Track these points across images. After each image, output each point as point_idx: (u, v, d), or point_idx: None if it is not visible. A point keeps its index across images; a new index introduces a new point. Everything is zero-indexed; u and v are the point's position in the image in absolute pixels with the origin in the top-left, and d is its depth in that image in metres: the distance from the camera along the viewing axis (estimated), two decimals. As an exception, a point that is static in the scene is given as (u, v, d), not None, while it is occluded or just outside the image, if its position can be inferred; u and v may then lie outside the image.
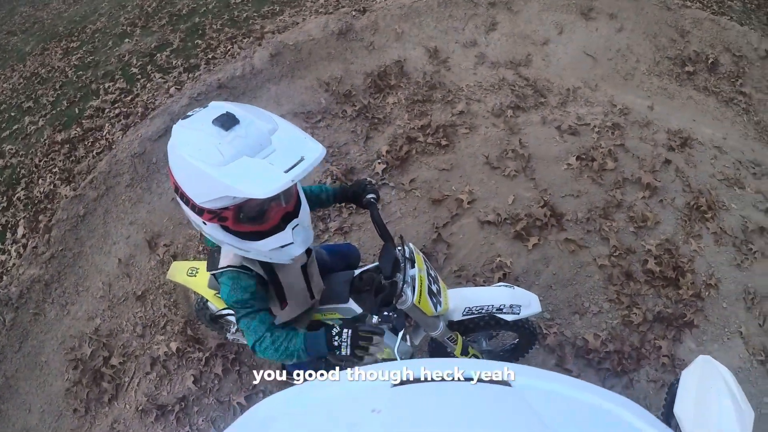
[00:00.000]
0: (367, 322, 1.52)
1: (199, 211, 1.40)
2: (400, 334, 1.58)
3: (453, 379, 0.68)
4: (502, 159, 3.31)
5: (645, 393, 2.61)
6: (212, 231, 1.47)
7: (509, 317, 1.96)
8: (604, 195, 3.12)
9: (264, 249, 1.49)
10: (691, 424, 1.21)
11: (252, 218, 1.45)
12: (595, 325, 2.77)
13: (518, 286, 2.89)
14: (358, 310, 1.86)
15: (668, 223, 3.06)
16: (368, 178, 3.29)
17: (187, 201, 1.41)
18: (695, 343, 2.75)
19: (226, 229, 1.45)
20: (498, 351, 2.48)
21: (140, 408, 2.64)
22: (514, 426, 0.61)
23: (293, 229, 1.51)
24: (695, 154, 3.29)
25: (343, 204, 3.07)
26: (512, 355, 2.45)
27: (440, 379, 0.69)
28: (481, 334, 2.32)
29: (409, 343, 1.85)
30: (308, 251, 1.78)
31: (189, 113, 1.46)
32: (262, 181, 1.28)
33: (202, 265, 2.25)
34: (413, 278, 1.73)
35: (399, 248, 1.78)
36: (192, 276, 2.23)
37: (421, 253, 1.89)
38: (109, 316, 3.03)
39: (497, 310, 1.94)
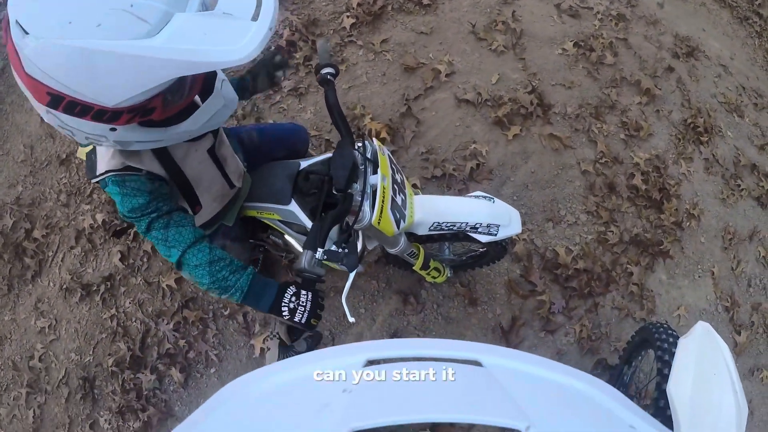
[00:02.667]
0: (306, 260, 1.11)
1: (113, 116, 0.92)
2: (350, 280, 1.20)
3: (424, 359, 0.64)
4: (491, 30, 2.66)
5: (607, 320, 2.28)
6: (124, 136, 0.99)
7: (484, 238, 1.54)
8: (598, 92, 2.59)
9: (196, 126, 1.08)
10: (686, 411, 1.17)
11: (181, 95, 1.02)
12: (568, 237, 2.35)
13: (492, 179, 2.43)
14: (302, 216, 1.44)
15: (661, 137, 2.64)
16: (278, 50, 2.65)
17: (87, 110, 0.89)
18: (667, 275, 2.45)
19: (146, 124, 1.01)
20: (461, 259, 2.05)
21: (64, 286, 2.42)
22: (485, 404, 0.56)
23: (222, 85, 1.12)
24: (700, 68, 2.86)
25: (301, 61, 2.55)
26: (476, 263, 2.01)
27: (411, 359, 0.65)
28: (445, 242, 1.90)
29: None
30: (214, 131, 1.33)
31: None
32: (228, 40, 0.85)
33: None
34: (374, 189, 1.30)
35: (359, 145, 1.34)
36: None
37: (387, 153, 1.36)
38: (32, 182, 2.67)
39: (472, 228, 1.51)
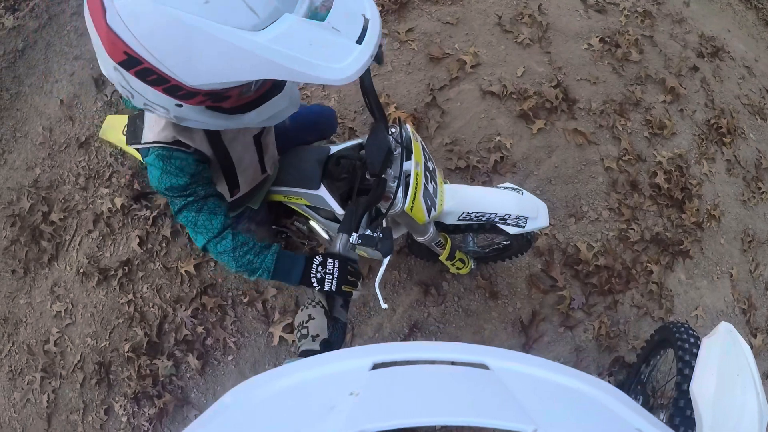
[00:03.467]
0: (341, 244, 1.11)
1: (187, 95, 0.88)
2: (383, 266, 1.16)
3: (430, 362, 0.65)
4: (516, 23, 2.65)
5: (626, 317, 2.28)
6: (188, 114, 0.96)
7: (513, 230, 1.54)
8: (622, 89, 2.56)
9: (258, 120, 1.05)
10: (709, 412, 1.17)
11: (256, 88, 1.00)
12: (590, 233, 2.34)
13: (515, 172, 2.43)
14: (331, 202, 1.41)
15: (684, 136, 2.62)
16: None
17: (162, 81, 0.85)
18: (686, 275, 2.44)
19: (214, 108, 0.98)
20: (485, 251, 2.03)
21: (81, 270, 2.38)
22: (491, 407, 0.55)
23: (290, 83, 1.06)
24: (724, 68, 2.85)
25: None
26: (500, 255, 1.99)
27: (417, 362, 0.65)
28: (470, 233, 1.88)
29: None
30: None
31: None
32: (333, 57, 0.81)
33: None
34: (407, 176, 1.27)
35: (393, 130, 1.30)
36: None
37: (419, 140, 1.33)
38: (50, 165, 2.62)
39: (500, 219, 1.51)
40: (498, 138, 2.36)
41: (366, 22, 0.87)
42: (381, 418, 0.52)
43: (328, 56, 0.81)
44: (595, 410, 0.62)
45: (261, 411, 0.64)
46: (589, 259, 2.26)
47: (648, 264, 2.35)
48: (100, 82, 2.77)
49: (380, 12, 2.63)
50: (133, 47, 0.81)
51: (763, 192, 2.69)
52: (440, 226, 1.59)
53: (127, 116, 1.80)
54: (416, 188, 1.28)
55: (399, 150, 1.29)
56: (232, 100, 0.97)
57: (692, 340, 1.66)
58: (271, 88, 1.04)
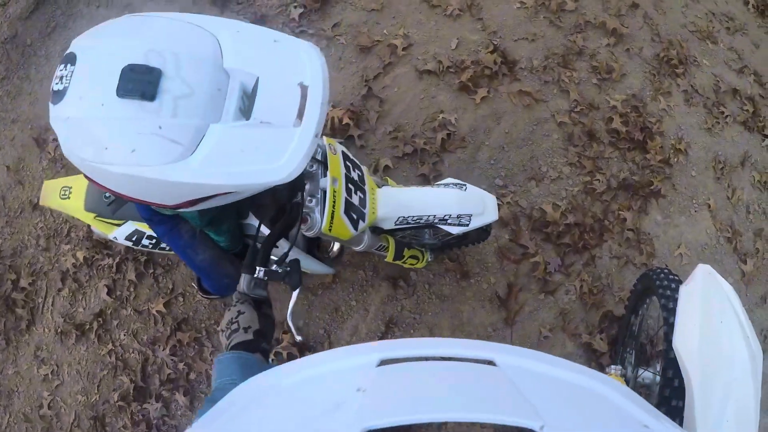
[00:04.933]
0: (245, 284, 1.06)
1: (175, 207, 0.92)
2: (293, 299, 1.13)
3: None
4: (443, -5, 2.60)
5: (607, 271, 2.21)
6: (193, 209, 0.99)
7: (455, 230, 1.46)
8: (563, 40, 2.47)
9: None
10: (696, 368, 1.14)
11: None
12: (553, 193, 2.26)
13: (465, 146, 2.34)
14: (263, 229, 1.36)
15: (635, 76, 2.52)
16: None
17: (148, 205, 0.97)
18: (662, 216, 2.37)
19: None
20: (442, 242, 1.97)
21: (59, 330, 2.37)
22: (499, 404, 0.55)
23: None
24: (665, 0, 2.81)
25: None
26: (458, 244, 1.93)
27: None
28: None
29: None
30: None
31: (59, 79, 0.78)
32: (270, 156, 0.78)
33: (77, 180, 1.67)
34: (324, 193, 1.21)
35: None
36: (65, 198, 1.70)
37: (339, 149, 1.26)
38: (9, 233, 2.59)
39: (440, 220, 1.42)
40: (442, 115, 2.29)
41: (304, 90, 0.80)
42: (388, 414, 0.51)
43: (263, 158, 0.78)
44: (602, 406, 0.62)
45: (266, 408, 0.64)
46: (557, 219, 2.19)
47: (620, 212, 2.28)
48: (41, 140, 2.73)
49: (303, 13, 2.57)
50: (112, 189, 0.86)
51: (726, 116, 2.61)
52: (380, 229, 1.52)
53: (60, 179, 1.80)
54: (334, 206, 1.22)
55: (314, 167, 1.23)
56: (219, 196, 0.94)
57: (673, 285, 1.59)
58: None
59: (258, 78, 0.80)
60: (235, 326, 1.06)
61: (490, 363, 0.65)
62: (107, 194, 1.62)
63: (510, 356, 0.66)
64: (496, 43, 2.44)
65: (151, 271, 2.37)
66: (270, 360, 1.12)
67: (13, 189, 2.70)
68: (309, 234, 1.22)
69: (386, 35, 2.50)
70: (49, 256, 2.52)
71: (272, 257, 1.13)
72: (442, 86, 2.37)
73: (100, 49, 0.79)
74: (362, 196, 1.32)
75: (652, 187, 2.34)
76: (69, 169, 2.56)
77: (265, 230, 1.30)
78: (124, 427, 2.24)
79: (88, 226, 2.49)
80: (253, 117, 0.78)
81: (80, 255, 2.43)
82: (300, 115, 0.79)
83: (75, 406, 2.31)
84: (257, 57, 0.82)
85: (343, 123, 2.27)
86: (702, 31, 2.73)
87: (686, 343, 1.25)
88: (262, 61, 0.82)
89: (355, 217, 1.28)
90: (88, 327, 2.37)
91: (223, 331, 1.09)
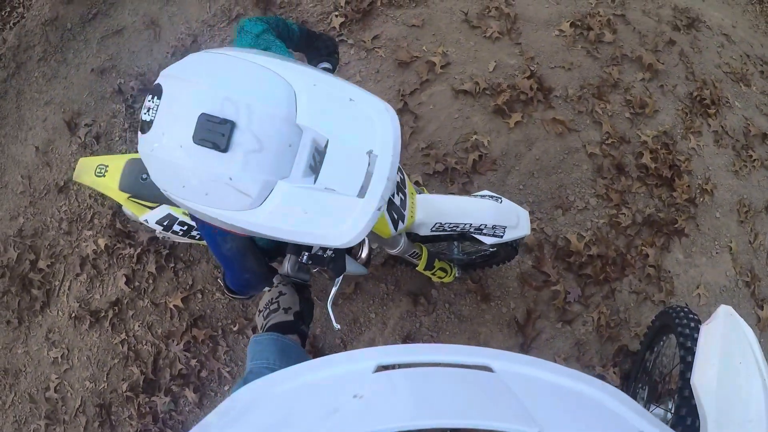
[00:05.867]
0: (289, 265, 1.08)
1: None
2: (336, 285, 1.14)
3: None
4: (484, 17, 2.55)
5: (625, 305, 2.20)
6: None
7: (489, 240, 1.45)
8: (599, 71, 2.47)
9: None
10: (712, 405, 1.13)
11: None
12: (579, 223, 2.25)
13: (496, 169, 2.35)
14: None
15: (668, 113, 2.53)
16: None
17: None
18: (683, 254, 2.36)
19: None
20: (471, 258, 1.96)
21: (73, 315, 2.37)
22: (496, 410, 0.56)
23: None
24: (702, 39, 2.76)
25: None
26: (486, 263, 1.92)
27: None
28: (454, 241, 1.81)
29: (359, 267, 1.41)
30: None
31: (147, 110, 0.81)
32: (332, 221, 0.80)
33: (114, 160, 1.67)
34: None
35: None
36: (100, 176, 1.69)
37: None
38: (32, 213, 2.62)
39: (476, 229, 1.42)
40: (475, 136, 2.29)
41: (373, 160, 0.80)
42: (385, 420, 0.51)
43: (325, 222, 0.80)
44: (599, 412, 0.62)
45: (264, 415, 0.64)
46: (580, 249, 2.18)
47: (643, 247, 2.27)
48: (72, 125, 2.75)
49: (344, 22, 2.59)
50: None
51: (754, 160, 2.59)
52: (415, 236, 1.52)
53: (96, 157, 1.81)
54: None
55: None
56: None
57: (692, 324, 1.58)
58: None
59: (328, 140, 0.79)
60: (274, 306, 1.06)
61: (487, 369, 0.65)
62: (144, 175, 1.61)
63: (507, 362, 0.65)
64: (533, 69, 2.45)
65: (172, 265, 2.37)
66: (306, 345, 1.11)
67: (40, 170, 2.73)
68: None
69: (425, 52, 2.51)
70: (70, 240, 2.53)
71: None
72: (477, 107, 2.37)
73: (181, 90, 0.79)
74: (403, 198, 1.33)
75: (676, 226, 2.32)
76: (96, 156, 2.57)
77: None
78: (129, 418, 2.24)
79: (113, 213, 2.51)
80: (318, 182, 0.79)
81: (102, 242, 2.44)
82: (365, 186, 0.79)
83: (82, 391, 2.31)
84: (330, 116, 0.81)
85: (377, 136, 2.27)
86: (736, 72, 2.73)
87: (704, 380, 1.24)
88: (334, 122, 0.81)
89: (395, 217, 1.28)
90: (103, 314, 2.37)
91: (261, 311, 1.08)
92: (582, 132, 2.36)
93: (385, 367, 0.65)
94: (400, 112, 2.35)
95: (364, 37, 2.56)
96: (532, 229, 2.17)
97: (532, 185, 2.25)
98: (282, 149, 0.78)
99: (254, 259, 1.39)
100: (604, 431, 0.60)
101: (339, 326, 1.18)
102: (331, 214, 0.80)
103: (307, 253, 1.06)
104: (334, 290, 1.15)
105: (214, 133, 0.74)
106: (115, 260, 2.44)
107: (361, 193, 0.79)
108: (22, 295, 2.50)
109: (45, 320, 2.45)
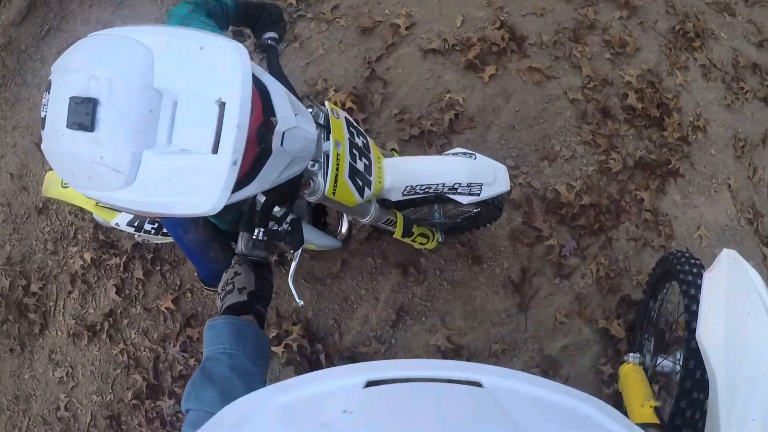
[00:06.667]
0: (243, 243, 1.03)
1: None
2: (295, 260, 1.10)
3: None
4: (446, -29, 2.47)
5: (624, 253, 2.08)
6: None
7: (466, 199, 1.36)
8: (573, 14, 2.33)
9: (264, 186, 0.90)
10: (721, 362, 1.08)
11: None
12: (567, 173, 2.13)
13: (474, 126, 2.22)
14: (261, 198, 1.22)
15: (650, 50, 2.37)
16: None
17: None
18: (680, 196, 2.22)
19: None
20: (454, 221, 1.85)
21: (71, 332, 2.36)
22: (487, 427, 0.56)
23: (282, 139, 0.86)
24: (679, -30, 2.64)
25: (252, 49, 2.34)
26: (470, 225, 1.81)
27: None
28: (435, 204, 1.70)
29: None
30: None
31: (42, 106, 0.78)
32: (193, 186, 0.74)
33: None
34: (327, 156, 1.13)
35: (311, 110, 1.15)
36: (66, 187, 1.68)
37: (342, 115, 1.18)
38: (17, 239, 2.59)
39: (450, 189, 1.33)
40: (448, 95, 2.17)
41: (222, 109, 0.71)
42: None
43: (186, 189, 0.74)
44: (589, 428, 0.61)
45: (254, 430, 0.63)
46: (571, 200, 2.06)
47: (637, 192, 2.15)
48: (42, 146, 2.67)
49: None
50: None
51: (746, 92, 2.45)
52: (389, 203, 1.43)
53: None
54: (338, 170, 1.14)
55: (318, 131, 1.15)
56: None
57: (695, 270, 1.46)
58: (258, 158, 0.85)
59: (178, 97, 0.72)
60: (229, 287, 1.00)
61: (477, 384, 0.64)
62: None
63: (496, 378, 0.65)
64: (503, 18, 2.31)
65: (158, 268, 2.32)
66: (265, 326, 1.06)
67: (18, 195, 2.68)
68: (312, 199, 1.15)
69: (388, 15, 2.38)
70: (57, 259, 2.50)
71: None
72: (448, 65, 2.25)
73: (60, 77, 0.76)
74: (367, 163, 1.24)
75: (670, 166, 2.20)
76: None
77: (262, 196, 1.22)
78: (139, 425, 2.21)
79: (94, 226, 2.45)
80: (173, 143, 0.72)
81: (87, 256, 2.40)
82: (217, 139, 0.71)
83: (91, 406, 2.29)
84: (182, 71, 0.73)
85: (346, 107, 2.16)
86: (719, 2, 2.57)
87: (710, 335, 1.16)
88: (185, 76, 0.73)
89: (360, 183, 1.20)
90: (99, 327, 2.34)
91: (218, 294, 1.03)
92: (561, 78, 2.23)
93: (376, 383, 0.64)
94: (368, 81, 2.23)
95: (322, 8, 2.43)
96: (519, 184, 2.06)
97: (514, 139, 2.13)
98: (143, 117, 0.71)
99: (219, 248, 1.32)
100: None
101: (302, 302, 1.11)
102: (192, 178, 0.73)
103: (261, 229, 1.00)
104: (293, 265, 1.09)
105: (80, 114, 0.70)
106: (103, 272, 2.40)
107: (215, 148, 0.71)
108: (20, 321, 2.48)
109: (46, 342, 2.43)
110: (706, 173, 2.27)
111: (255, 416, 0.64)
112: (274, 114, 0.84)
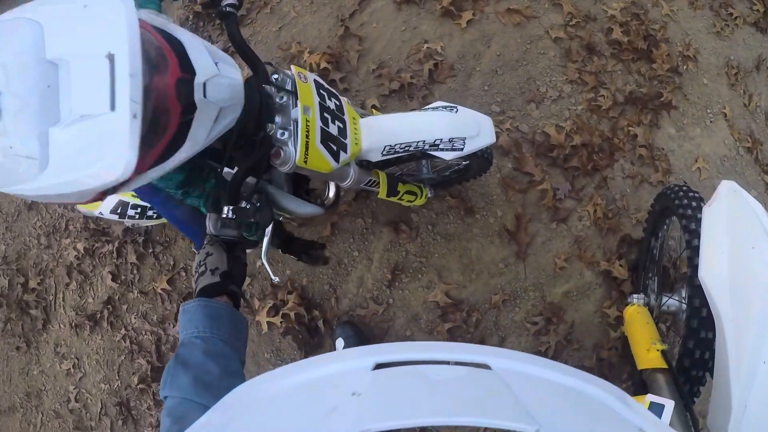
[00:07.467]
0: (211, 224, 0.97)
1: (95, 198, 0.80)
2: (267, 236, 1.07)
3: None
4: None
5: (621, 192, 1.98)
6: (130, 187, 0.83)
7: (449, 155, 1.28)
8: (547, -50, 2.26)
9: (198, 145, 0.84)
10: (725, 299, 1.00)
11: (149, 139, 0.73)
12: (555, 114, 2.01)
13: (455, 75, 2.08)
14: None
15: (632, -19, 2.29)
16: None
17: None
18: (675, 129, 2.11)
19: (140, 173, 0.80)
20: (444, 175, 1.76)
21: (73, 323, 2.34)
22: (494, 407, 0.55)
23: (204, 90, 0.80)
24: None
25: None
26: (460, 178, 1.71)
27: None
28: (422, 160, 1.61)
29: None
30: None
31: None
32: (100, 154, 0.66)
33: None
34: (296, 123, 1.06)
35: (276, 77, 1.09)
36: None
37: (311, 78, 1.10)
38: (11, 237, 2.57)
39: (431, 146, 1.26)
40: (426, 45, 2.05)
41: (112, 62, 0.65)
42: (384, 418, 0.50)
43: (95, 156, 0.67)
44: (597, 410, 0.60)
45: (260, 414, 0.62)
46: (562, 141, 1.95)
47: (629, 128, 2.03)
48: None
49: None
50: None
51: (735, 18, 2.32)
52: (369, 164, 1.34)
53: None
54: (308, 136, 1.06)
55: (285, 98, 1.08)
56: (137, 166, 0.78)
57: (694, 204, 1.36)
58: (182, 116, 0.79)
59: (69, 62, 0.66)
60: (202, 269, 0.96)
61: (485, 367, 0.63)
62: None
63: (504, 360, 0.64)
64: (476, -38, 2.18)
65: (151, 250, 2.26)
66: (241, 306, 0.99)
67: (6, 194, 2.61)
68: (284, 169, 1.08)
69: (357, -30, 2.25)
70: (52, 252, 2.46)
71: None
72: (423, 15, 2.12)
73: None
74: (341, 126, 1.16)
75: (662, 99, 2.08)
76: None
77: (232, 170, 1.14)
78: (148, 408, 2.18)
79: (84, 215, 2.38)
80: (72, 111, 0.65)
81: (81, 246, 2.36)
82: (113, 95, 0.65)
83: (100, 395, 2.27)
84: (69, 35, 0.67)
85: (321, 68, 2.05)
86: (700, -74, 2.41)
87: (714, 274, 1.07)
88: (73, 39, 0.67)
89: (334, 147, 1.12)
90: (99, 316, 2.31)
91: (193, 276, 0.99)
92: (542, 17, 2.10)
93: (384, 365, 0.63)
94: (342, 38, 2.11)
95: (292, -30, 2.31)
96: (506, 129, 1.94)
97: (497, 84, 2.01)
98: (43, 94, 0.65)
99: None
100: (603, 429, 0.58)
101: (278, 279, 1.10)
102: (99, 143, 0.66)
103: (229, 207, 0.95)
104: (265, 241, 1.05)
105: None
106: (97, 260, 2.35)
107: (112, 104, 0.65)
108: (23, 318, 2.46)
109: (50, 336, 2.41)
110: (700, 104, 2.15)
111: (260, 403, 0.63)
112: (192, 67, 0.78)
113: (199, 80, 0.78)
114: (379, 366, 0.62)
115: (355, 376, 0.61)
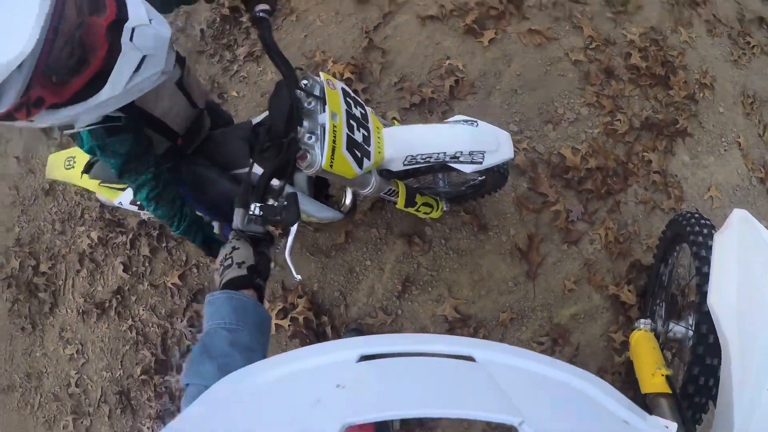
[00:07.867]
0: (238, 219, 0.98)
1: (6, 118, 0.81)
2: (291, 234, 1.11)
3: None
4: (442, -62, 2.32)
5: (633, 217, 1.98)
6: (48, 120, 0.89)
7: (469, 168, 1.29)
8: (571, -26, 2.25)
9: (119, 89, 0.89)
10: (733, 329, 0.99)
11: (70, 67, 0.82)
12: (572, 136, 2.01)
13: (475, 92, 2.09)
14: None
15: (652, 7, 2.21)
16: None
17: None
18: (689, 156, 2.11)
19: (56, 106, 0.86)
20: (459, 189, 1.75)
21: (81, 310, 2.34)
22: (478, 400, 0.55)
23: (132, 35, 0.85)
24: (679, -75, 2.48)
25: (250, 24, 2.25)
26: (475, 193, 1.71)
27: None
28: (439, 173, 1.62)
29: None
30: (181, 61, 1.18)
31: None
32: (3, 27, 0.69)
33: (80, 151, 1.52)
34: (323, 128, 1.10)
35: (305, 82, 1.13)
36: (70, 168, 1.64)
37: (339, 85, 1.12)
38: (26, 221, 2.57)
39: (452, 158, 1.27)
40: (448, 61, 2.05)
41: None
42: (368, 410, 0.50)
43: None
44: (582, 402, 0.60)
45: (245, 405, 0.61)
46: (577, 163, 1.95)
47: (644, 153, 2.03)
48: (47, 128, 2.61)
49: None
50: None
51: (753, 46, 2.31)
52: (390, 173, 1.34)
53: (65, 151, 1.72)
54: (335, 142, 1.08)
55: (313, 103, 1.10)
56: (48, 95, 0.83)
57: (705, 231, 1.36)
58: (107, 56, 0.85)
59: None
60: (228, 262, 0.96)
61: (469, 359, 0.63)
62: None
63: (489, 352, 0.64)
64: (501, -19, 2.18)
65: (164, 244, 2.26)
66: (267, 301, 1.00)
67: (25, 178, 2.65)
68: (309, 172, 1.10)
69: (385, -17, 2.25)
70: (65, 239, 2.47)
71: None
72: (446, 31, 2.12)
73: None
74: (366, 133, 1.17)
75: (677, 126, 2.08)
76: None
77: (259, 170, 1.15)
78: (148, 400, 2.18)
79: (101, 205, 2.39)
80: None
81: (95, 235, 2.36)
82: None
83: (101, 382, 2.27)
84: None
85: (345, 78, 2.05)
86: (722, -44, 2.41)
87: (722, 300, 1.06)
88: None
89: (359, 154, 1.14)
90: (107, 305, 2.31)
91: (216, 269, 0.98)
92: (562, 39, 2.10)
93: (369, 357, 0.63)
94: (366, 51, 2.11)
95: (318, -21, 2.31)
96: (523, 149, 1.94)
97: (516, 103, 2.01)
98: None
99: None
100: (587, 420, 0.57)
101: (299, 277, 1.12)
102: (9, 13, 0.70)
103: (257, 204, 0.96)
104: (290, 239, 1.08)
105: None
106: (110, 250, 2.35)
107: None
108: (30, 301, 2.45)
109: (56, 320, 2.40)
110: (714, 132, 2.14)
111: (246, 392, 0.62)
112: (126, 15, 0.84)
113: (128, 25, 0.84)
114: (364, 358, 0.62)
115: (340, 368, 0.61)
